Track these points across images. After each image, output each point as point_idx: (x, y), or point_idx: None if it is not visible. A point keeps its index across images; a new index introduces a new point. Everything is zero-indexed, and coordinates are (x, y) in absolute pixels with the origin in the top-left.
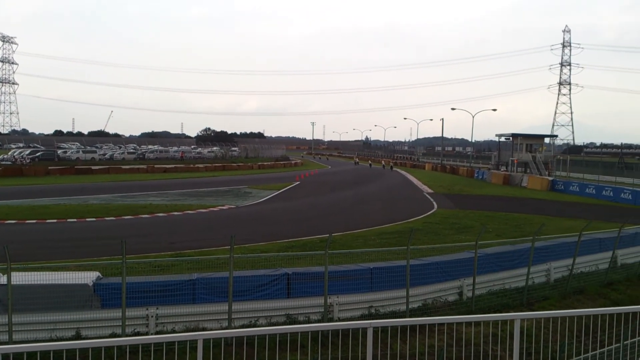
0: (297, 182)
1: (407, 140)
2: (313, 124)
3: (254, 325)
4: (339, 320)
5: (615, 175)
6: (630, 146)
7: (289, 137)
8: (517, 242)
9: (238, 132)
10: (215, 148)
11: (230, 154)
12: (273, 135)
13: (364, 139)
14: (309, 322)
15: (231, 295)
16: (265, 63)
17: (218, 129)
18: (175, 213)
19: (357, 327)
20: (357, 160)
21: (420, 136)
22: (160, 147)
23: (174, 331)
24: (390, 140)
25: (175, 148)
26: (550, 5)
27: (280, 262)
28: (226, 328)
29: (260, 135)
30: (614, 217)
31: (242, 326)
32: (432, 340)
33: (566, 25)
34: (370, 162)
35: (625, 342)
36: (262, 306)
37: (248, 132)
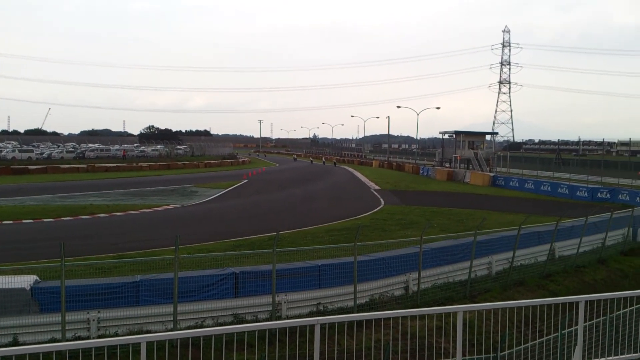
0: (245, 180)
1: (354, 137)
2: (261, 121)
3: (201, 326)
4: (288, 318)
5: (552, 171)
6: (566, 142)
7: (236, 135)
8: (460, 237)
9: (183, 130)
10: (159, 146)
11: (176, 152)
12: (220, 133)
13: (312, 136)
14: (257, 321)
15: (176, 296)
16: (211, 60)
17: (162, 127)
18: (118, 213)
19: (304, 325)
20: (295, 157)
21: (368, 134)
22: (101, 146)
23: (116, 335)
24: (338, 137)
25: (117, 146)
26: (492, 6)
27: (227, 262)
28: (172, 330)
29: (206, 133)
30: (551, 211)
31: (188, 327)
32: (379, 335)
33: (506, 26)
34: (311, 158)
35: (563, 332)
36: (209, 306)
37: (194, 130)
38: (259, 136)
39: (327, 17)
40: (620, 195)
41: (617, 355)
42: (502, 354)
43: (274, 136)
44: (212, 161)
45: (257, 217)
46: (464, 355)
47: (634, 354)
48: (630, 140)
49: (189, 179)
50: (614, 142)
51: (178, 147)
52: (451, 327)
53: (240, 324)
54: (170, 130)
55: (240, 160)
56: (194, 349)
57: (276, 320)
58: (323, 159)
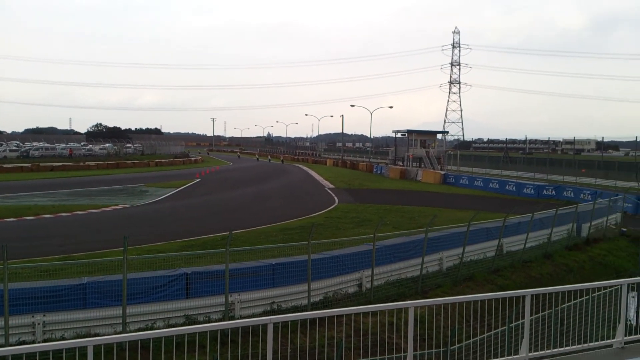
0: (198, 180)
1: (309, 136)
2: (214, 119)
3: (151, 328)
4: (241, 318)
5: (501, 169)
6: (514, 141)
7: (188, 133)
8: (412, 234)
9: (133, 128)
10: (107, 145)
11: (125, 150)
12: (171, 132)
13: (266, 135)
14: (209, 321)
15: (125, 298)
16: (162, 56)
17: (111, 125)
18: (64, 214)
19: (257, 324)
20: (239, 155)
21: (322, 132)
22: (46, 144)
23: (63, 338)
24: (293, 136)
25: (63, 145)
26: (443, 7)
27: (179, 262)
28: (121, 333)
29: (157, 131)
30: (499, 207)
31: (138, 330)
32: (333, 332)
33: (455, 27)
34: (257, 156)
35: (510, 325)
36: (160, 308)
37: (144, 128)
38: (212, 134)
39: (280, 15)
40: (565, 192)
41: (562, 347)
42: (452, 348)
43: (228, 134)
44: (163, 160)
45: (209, 216)
46: (415, 350)
47: (578, 346)
48: (574, 139)
49: (139, 178)
50: (559, 141)
51: (127, 145)
52: (403, 322)
53: (192, 325)
54: (119, 128)
55: (192, 159)
56: (144, 352)
57: (229, 320)
58: (269, 156)
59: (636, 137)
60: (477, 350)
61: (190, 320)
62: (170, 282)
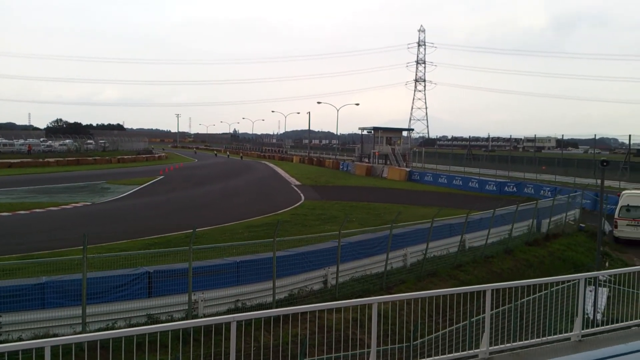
0: (161, 176)
1: (275, 133)
2: (178, 115)
3: (112, 328)
4: (205, 316)
5: (464, 166)
6: (477, 139)
7: (152, 129)
8: (377, 230)
9: (95, 124)
10: (68, 141)
11: (86, 147)
12: (135, 127)
13: (232, 131)
14: (172, 320)
15: (85, 297)
16: (124, 51)
17: (71, 120)
18: (22, 212)
19: (220, 322)
20: (196, 151)
21: (289, 129)
22: (4, 140)
23: (20, 339)
24: (259, 133)
25: (21, 141)
26: (410, 5)
27: (141, 261)
28: (80, 333)
29: (120, 127)
30: (463, 204)
31: (99, 330)
32: (299, 329)
33: (421, 25)
34: (215, 152)
35: (471, 319)
36: (121, 307)
37: (106, 123)
38: (176, 130)
39: (246, 11)
40: (525, 189)
41: (521, 340)
42: (414, 343)
43: (193, 131)
44: (125, 156)
45: (173, 214)
46: (378, 345)
47: (537, 339)
48: (535, 137)
49: (101, 175)
50: (521, 139)
51: (89, 141)
52: (367, 318)
53: (154, 324)
54: (80, 124)
55: (156, 155)
56: (104, 352)
57: (192, 319)
58: (227, 153)
59: (594, 135)
60: (439, 345)
61: (152, 320)
62: (131, 281)
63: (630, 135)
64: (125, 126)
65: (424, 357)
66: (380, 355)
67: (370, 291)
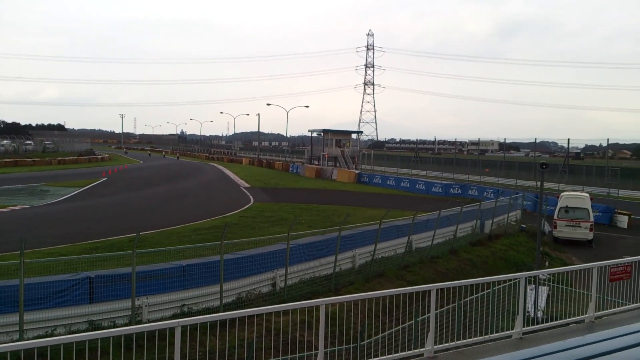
0: (104, 178)
1: (224, 134)
2: (122, 116)
3: (51, 335)
4: (149, 322)
5: (411, 168)
6: (424, 142)
7: (95, 130)
8: (326, 232)
9: (34, 124)
10: (5, 141)
11: (24, 148)
12: (76, 128)
13: (179, 132)
14: (114, 326)
15: (22, 304)
16: (66, 49)
17: (9, 120)
18: None
19: (164, 328)
20: (126, 151)
21: (238, 131)
22: None
23: None
24: (207, 134)
25: None
26: (358, 9)
27: (82, 266)
28: (18, 341)
29: (60, 128)
30: (410, 205)
31: (37, 337)
32: (246, 333)
33: (370, 29)
34: (149, 152)
35: (417, 319)
36: (60, 314)
37: (46, 124)
38: (120, 131)
39: (194, 11)
40: (470, 191)
41: (465, 339)
42: (362, 343)
43: (138, 132)
44: (66, 158)
45: (116, 217)
46: (326, 347)
47: (480, 337)
48: (479, 140)
49: (40, 177)
50: (466, 142)
51: (27, 142)
52: (315, 320)
53: (96, 330)
54: (19, 124)
55: (99, 156)
56: None
57: (136, 324)
58: (163, 152)
59: (535, 139)
60: (385, 345)
61: (94, 326)
62: (71, 286)
63: (569, 139)
64: (66, 126)
65: (370, 357)
66: (328, 357)
67: (319, 293)
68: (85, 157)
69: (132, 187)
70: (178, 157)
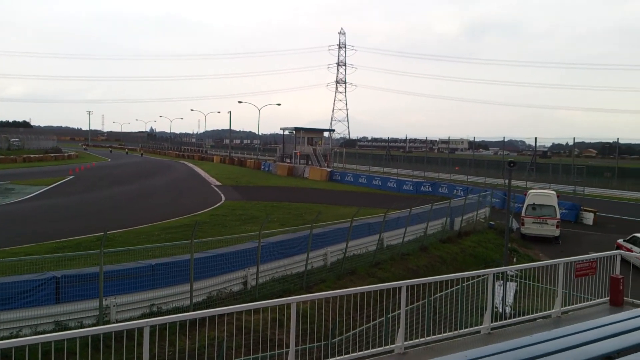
0: (71, 176)
1: (195, 132)
2: (90, 112)
3: (16, 337)
4: (117, 322)
5: (383, 166)
6: (395, 140)
7: (62, 127)
8: (298, 230)
9: None
10: None
11: None
12: (42, 125)
13: (148, 130)
14: (82, 327)
15: None
16: (32, 44)
17: None
18: None
19: (132, 328)
20: (86, 148)
21: (209, 128)
22: None
23: None
24: (178, 132)
25: None
26: (329, 8)
27: (48, 265)
28: None
29: (26, 125)
30: (381, 203)
31: (2, 339)
32: (217, 332)
33: (341, 28)
34: (111, 150)
35: (388, 315)
36: (26, 315)
37: (11, 120)
38: (87, 128)
39: (164, 7)
40: (440, 188)
41: (435, 334)
42: (333, 340)
43: (106, 129)
44: (32, 155)
45: (84, 216)
46: (298, 344)
47: (450, 333)
48: (449, 139)
49: (5, 175)
50: (436, 140)
51: None
52: (286, 318)
53: (63, 331)
54: None
55: (65, 154)
56: None
57: (104, 325)
58: (126, 149)
59: (504, 137)
60: (357, 342)
61: (60, 327)
62: (37, 286)
63: (536, 138)
64: (32, 124)
65: (342, 354)
66: (299, 355)
67: (290, 291)
68: (52, 155)
69: (100, 185)
70: (142, 154)
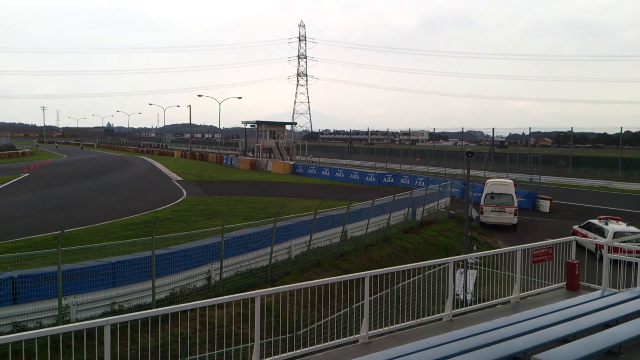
0: (26, 174)
1: (154, 127)
2: (44, 108)
3: None
4: (77, 321)
5: (345, 159)
6: (357, 132)
7: (14, 123)
8: (261, 224)
9: None
10: None
11: None
12: None
13: (105, 125)
14: (41, 327)
15: None
16: None
17: None
18: None
19: (92, 327)
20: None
21: (168, 123)
22: None
23: None
24: (136, 126)
25: None
26: (288, 0)
27: (4, 266)
28: None
29: None
30: (344, 195)
31: None
32: (182, 328)
33: (301, 21)
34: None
35: (352, 306)
36: None
37: None
38: (42, 124)
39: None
40: (402, 180)
41: (399, 323)
42: (298, 333)
43: (61, 125)
44: None
45: (41, 214)
46: (263, 338)
47: (412, 321)
48: (410, 130)
49: None
50: (397, 132)
51: None
52: (251, 312)
53: (21, 332)
54: None
55: (20, 151)
56: None
57: (64, 325)
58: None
59: (462, 128)
60: (322, 333)
61: (18, 328)
62: None
63: (493, 129)
64: None
65: (307, 346)
66: (264, 348)
67: (255, 285)
68: (5, 152)
69: (57, 182)
70: (82, 147)
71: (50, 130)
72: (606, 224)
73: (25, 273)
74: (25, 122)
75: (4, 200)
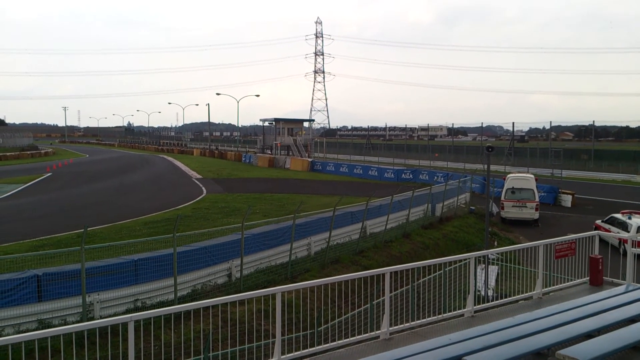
0: (49, 174)
1: (173, 125)
2: (65, 108)
3: None
4: (101, 318)
5: (364, 155)
6: (375, 128)
7: (37, 123)
8: (281, 221)
9: None
10: None
11: None
12: (17, 122)
13: (126, 124)
14: (65, 324)
15: None
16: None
17: None
18: None
19: (116, 323)
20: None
21: (187, 121)
22: None
23: None
24: (156, 125)
25: None
26: None
27: (29, 264)
28: None
29: (1, 123)
30: (363, 191)
31: None
32: (204, 324)
33: (318, 17)
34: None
35: (373, 302)
36: (8, 314)
37: None
38: (64, 124)
39: (134, 1)
40: (421, 175)
41: (420, 319)
42: (319, 329)
43: (82, 124)
44: (8, 153)
45: (63, 213)
46: (284, 334)
47: (434, 317)
48: (428, 126)
49: None
50: (415, 128)
51: None
52: (272, 309)
53: (46, 329)
54: None
55: (42, 151)
56: None
57: (88, 321)
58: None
59: (482, 123)
60: (342, 329)
61: (43, 325)
62: (18, 285)
63: (513, 123)
64: (7, 121)
65: (328, 342)
66: (286, 344)
67: (275, 282)
68: (28, 152)
69: (79, 181)
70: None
71: (71, 130)
72: (629, 218)
73: (49, 271)
74: (47, 123)
75: (28, 199)
